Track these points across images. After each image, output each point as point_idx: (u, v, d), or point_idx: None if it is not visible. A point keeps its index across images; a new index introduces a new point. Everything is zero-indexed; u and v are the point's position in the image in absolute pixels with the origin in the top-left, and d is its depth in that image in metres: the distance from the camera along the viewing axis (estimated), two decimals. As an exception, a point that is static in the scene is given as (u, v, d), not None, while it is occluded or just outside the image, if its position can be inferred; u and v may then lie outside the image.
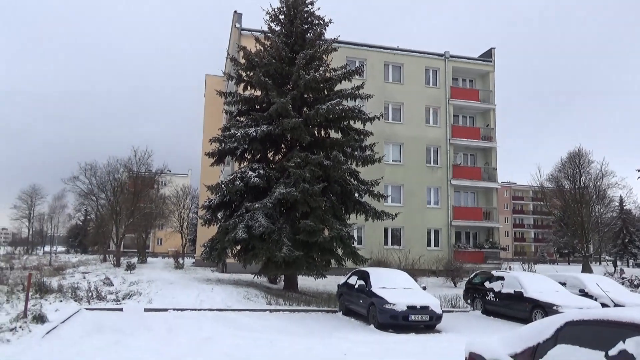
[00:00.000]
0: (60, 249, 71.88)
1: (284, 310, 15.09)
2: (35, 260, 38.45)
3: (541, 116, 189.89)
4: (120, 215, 38.78)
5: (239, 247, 20.47)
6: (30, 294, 12.42)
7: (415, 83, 34.52)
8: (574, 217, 41.24)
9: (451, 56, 35.59)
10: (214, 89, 25.73)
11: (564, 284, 16.38)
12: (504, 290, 15.48)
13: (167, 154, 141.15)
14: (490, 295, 16.04)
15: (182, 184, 59.64)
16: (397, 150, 33.64)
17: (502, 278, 16.11)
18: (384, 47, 34.64)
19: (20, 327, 9.88)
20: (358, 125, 21.76)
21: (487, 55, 37.03)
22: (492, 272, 17.41)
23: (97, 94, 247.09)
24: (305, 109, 20.98)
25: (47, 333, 9.90)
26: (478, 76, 37.52)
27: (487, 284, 16.54)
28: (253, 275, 22.57)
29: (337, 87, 21.84)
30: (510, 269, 29.03)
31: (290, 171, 18.61)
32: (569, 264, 74.51)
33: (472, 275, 18.56)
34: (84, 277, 22.69)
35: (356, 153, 21.24)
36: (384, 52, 34.41)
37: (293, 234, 18.62)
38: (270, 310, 14.92)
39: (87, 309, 13.53)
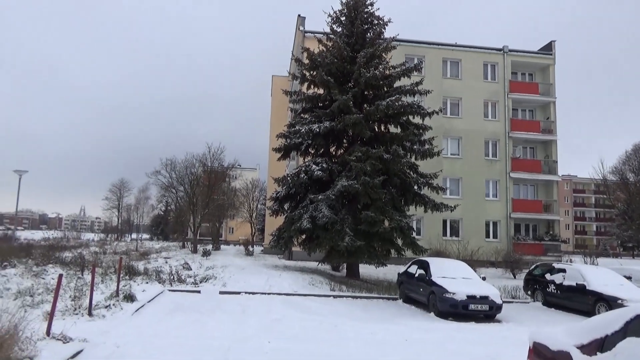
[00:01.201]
0: (145, 236, 75.55)
1: (347, 297, 15.12)
2: (124, 246, 40.62)
3: (604, 108, 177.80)
4: (196, 206, 40.22)
5: (304, 236, 20.74)
6: (120, 275, 13.21)
7: (474, 78, 33.34)
8: (639, 211, 38.37)
9: (510, 50, 34.04)
10: (280, 89, 26.13)
11: (629, 278, 15.32)
12: (565, 283, 14.70)
13: (238, 149, 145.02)
14: (551, 287, 15.27)
15: (251, 178, 60.93)
16: (456, 144, 32.71)
17: (563, 270, 15.28)
18: (442, 44, 33.67)
19: (113, 304, 10.53)
20: (417, 120, 21.37)
21: (547, 49, 35.09)
22: (553, 264, 16.56)
23: (177, 98, 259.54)
24: (365, 105, 20.82)
25: (136, 311, 10.50)
26: (538, 69, 35.63)
27: (548, 276, 15.75)
28: (317, 262, 22.80)
29: (397, 84, 21.50)
30: (571, 261, 27.49)
31: (352, 165, 18.58)
32: (633, 257, 69.50)
33: (533, 267, 17.72)
34: (166, 262, 23.77)
35: (415, 147, 20.90)
36: (442, 49, 33.45)
37: (355, 225, 18.61)
38: (334, 296, 15.00)
39: (169, 290, 14.25)
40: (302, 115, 22.71)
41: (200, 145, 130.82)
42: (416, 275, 14.32)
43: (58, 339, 6.97)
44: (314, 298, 14.41)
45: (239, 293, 14.40)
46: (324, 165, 19.96)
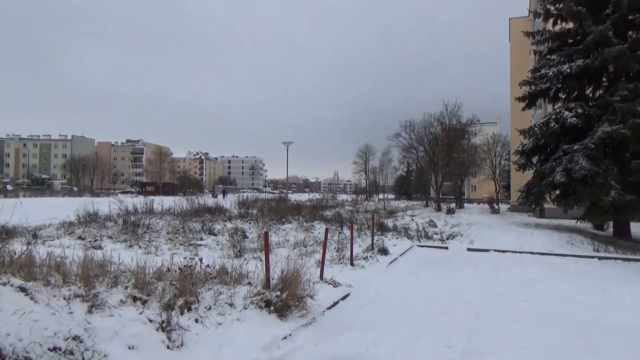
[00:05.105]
0: (390, 196, 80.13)
1: (615, 259, 13.17)
2: (373, 205, 43.67)
3: None
4: (437, 165, 40.52)
5: (557, 192, 18.83)
6: (374, 231, 14.43)
7: None
8: None
9: None
10: (520, 31, 23.79)
11: None
12: None
13: (475, 104, 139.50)
14: None
15: (492, 133, 57.83)
16: None
17: None
18: None
19: (370, 256, 11.64)
20: None
21: None
22: None
23: (407, 57, 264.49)
24: (630, 32, 17.27)
25: (390, 263, 11.38)
26: None
27: None
28: (575, 220, 20.41)
29: (677, -2, 17.12)
30: None
31: (616, 106, 15.81)
32: None
33: None
34: (412, 220, 24.76)
35: None
36: None
37: (622, 176, 15.92)
38: (599, 258, 13.25)
39: (418, 245, 14.91)
40: (548, 56, 20.26)
41: (437, 104, 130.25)
42: None
43: (329, 283, 8.12)
44: (574, 259, 13.04)
45: (487, 251, 14.07)
46: (579, 110, 17.52)
